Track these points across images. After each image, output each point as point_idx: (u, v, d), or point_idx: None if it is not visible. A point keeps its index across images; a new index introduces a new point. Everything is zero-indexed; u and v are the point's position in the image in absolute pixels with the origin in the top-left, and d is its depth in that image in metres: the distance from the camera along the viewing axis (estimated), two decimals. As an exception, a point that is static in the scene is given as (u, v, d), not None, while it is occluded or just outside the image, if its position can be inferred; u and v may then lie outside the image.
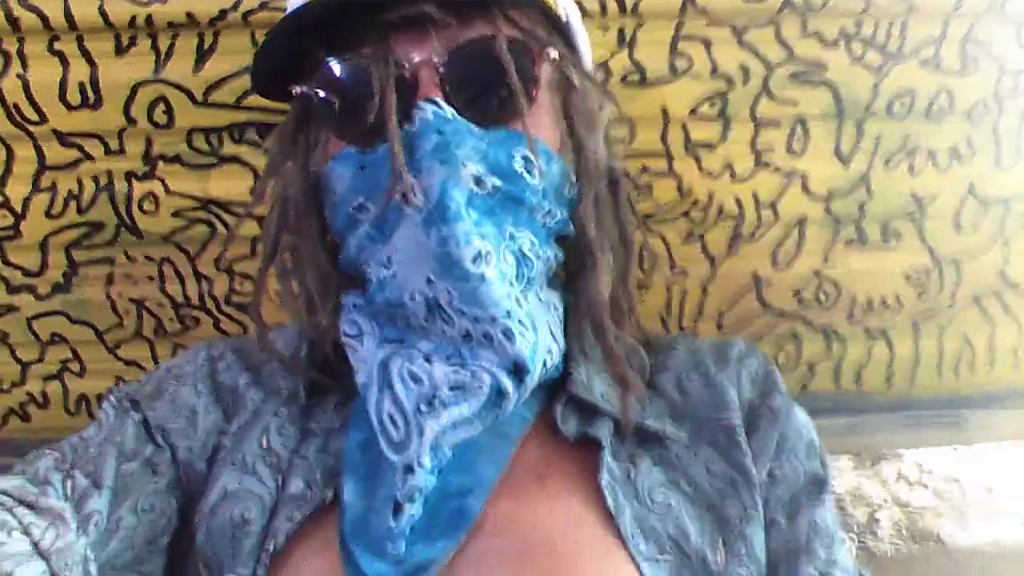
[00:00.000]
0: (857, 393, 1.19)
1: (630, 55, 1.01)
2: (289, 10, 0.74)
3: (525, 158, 0.69)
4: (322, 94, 0.70)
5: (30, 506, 0.66)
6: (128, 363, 1.10)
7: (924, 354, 1.18)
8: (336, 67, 0.69)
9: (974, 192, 1.10)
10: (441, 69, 0.67)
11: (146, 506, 0.72)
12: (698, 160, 1.06)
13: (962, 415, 1.21)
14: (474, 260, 0.64)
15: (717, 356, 0.82)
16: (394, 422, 0.67)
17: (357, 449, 0.72)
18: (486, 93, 0.69)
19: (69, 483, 0.69)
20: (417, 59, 0.67)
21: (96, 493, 0.70)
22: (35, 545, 0.63)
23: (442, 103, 0.66)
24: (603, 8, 0.99)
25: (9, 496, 0.66)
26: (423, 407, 0.66)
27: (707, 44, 1.01)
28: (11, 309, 1.07)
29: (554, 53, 0.71)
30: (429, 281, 0.66)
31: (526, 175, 0.69)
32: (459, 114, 0.67)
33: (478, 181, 0.67)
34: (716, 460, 0.75)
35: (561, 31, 0.77)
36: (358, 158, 0.70)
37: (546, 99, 0.73)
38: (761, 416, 0.78)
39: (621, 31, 1.00)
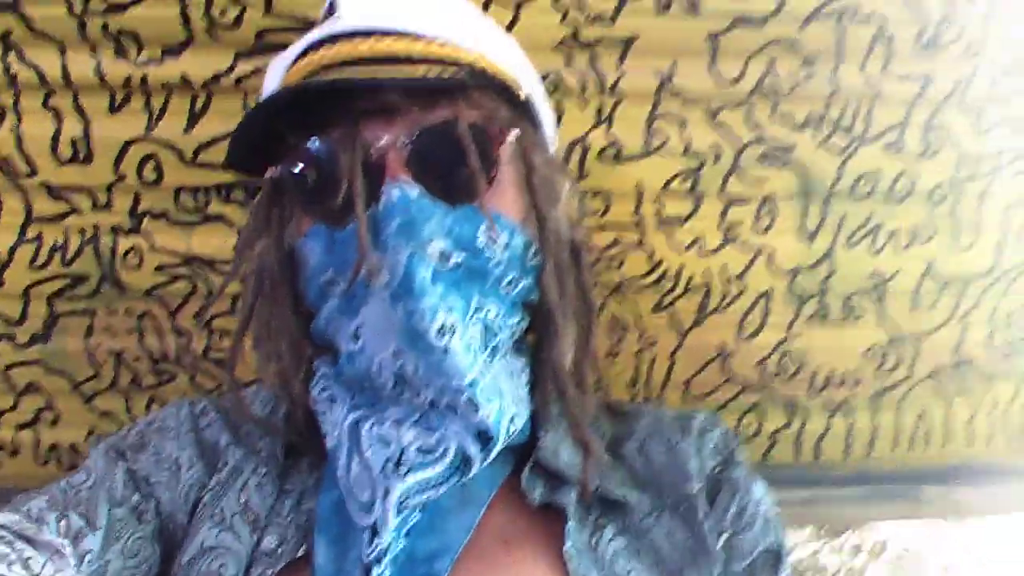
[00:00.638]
0: (816, 465, 1.22)
1: (607, 131, 1.05)
2: (264, 95, 0.78)
3: (488, 232, 0.72)
4: (294, 175, 0.72)
5: (28, 540, 0.67)
6: (103, 414, 1.10)
7: (882, 427, 1.21)
8: (307, 150, 0.71)
9: (932, 271, 1.14)
10: (407, 151, 0.69)
11: (132, 552, 0.74)
12: (669, 233, 1.10)
13: (920, 489, 1.25)
14: (439, 332, 0.67)
15: (680, 426, 0.84)
16: (361, 484, 0.69)
17: (329, 510, 0.74)
18: (450, 173, 0.71)
19: (64, 522, 0.71)
20: (384, 142, 0.69)
21: (90, 533, 0.71)
22: None
23: (408, 184, 0.68)
24: (583, 86, 1.03)
25: (7, 530, 0.67)
26: (390, 468, 0.68)
27: (681, 123, 1.05)
28: (-11, 356, 1.07)
29: (514, 134, 0.74)
30: (395, 354, 0.68)
31: (489, 249, 0.71)
32: (424, 193, 0.69)
33: (443, 256, 0.69)
34: (677, 529, 0.77)
35: (522, 108, 0.79)
36: (329, 235, 0.72)
37: (509, 173, 0.75)
38: (721, 488, 0.80)
39: (599, 108, 1.04)
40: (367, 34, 0.72)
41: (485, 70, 0.75)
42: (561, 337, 0.78)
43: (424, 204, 0.69)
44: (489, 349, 0.72)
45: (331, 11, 0.77)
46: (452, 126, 0.70)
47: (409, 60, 0.71)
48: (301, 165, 0.72)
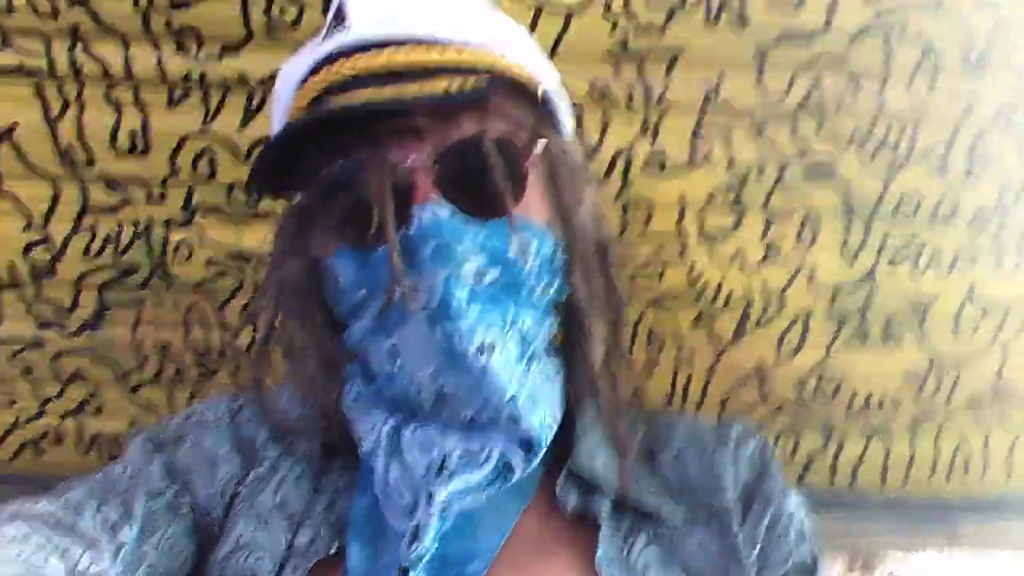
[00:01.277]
0: (852, 491, 1.21)
1: (652, 143, 1.06)
2: (283, 107, 0.78)
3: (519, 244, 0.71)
4: (320, 199, 0.72)
5: (66, 530, 0.67)
6: (145, 406, 1.11)
7: (919, 454, 1.20)
8: (333, 174, 0.71)
9: (974, 296, 1.14)
10: (434, 170, 0.69)
11: (167, 546, 0.74)
12: (711, 247, 1.10)
13: (955, 520, 1.23)
14: (478, 351, 0.67)
15: (716, 437, 0.84)
16: (401, 489, 0.69)
17: (362, 513, 0.74)
18: (478, 188, 0.70)
19: (101, 513, 0.71)
20: (410, 162, 0.69)
21: (127, 525, 0.72)
22: (72, 569, 0.65)
23: (439, 204, 0.68)
24: (630, 97, 1.04)
25: (45, 520, 0.67)
26: (432, 474, 0.68)
27: (726, 136, 1.06)
28: (38, 344, 1.09)
29: (541, 142, 0.74)
30: (434, 375, 0.69)
31: (521, 259, 0.71)
32: (455, 212, 0.69)
33: (479, 275, 0.69)
34: (710, 541, 0.77)
35: (545, 105, 0.79)
36: (359, 256, 0.72)
37: (534, 177, 0.75)
38: (755, 498, 0.80)
39: (645, 119, 1.05)
40: (381, 45, 0.72)
41: (504, 73, 0.74)
42: (591, 335, 0.78)
43: (456, 224, 0.68)
44: (526, 359, 0.72)
45: (340, 17, 0.76)
46: (478, 142, 0.70)
47: (428, 72, 0.70)
48: (327, 189, 0.72)
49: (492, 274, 0.70)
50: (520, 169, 0.72)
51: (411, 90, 0.69)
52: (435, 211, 0.68)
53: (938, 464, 1.21)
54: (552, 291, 0.75)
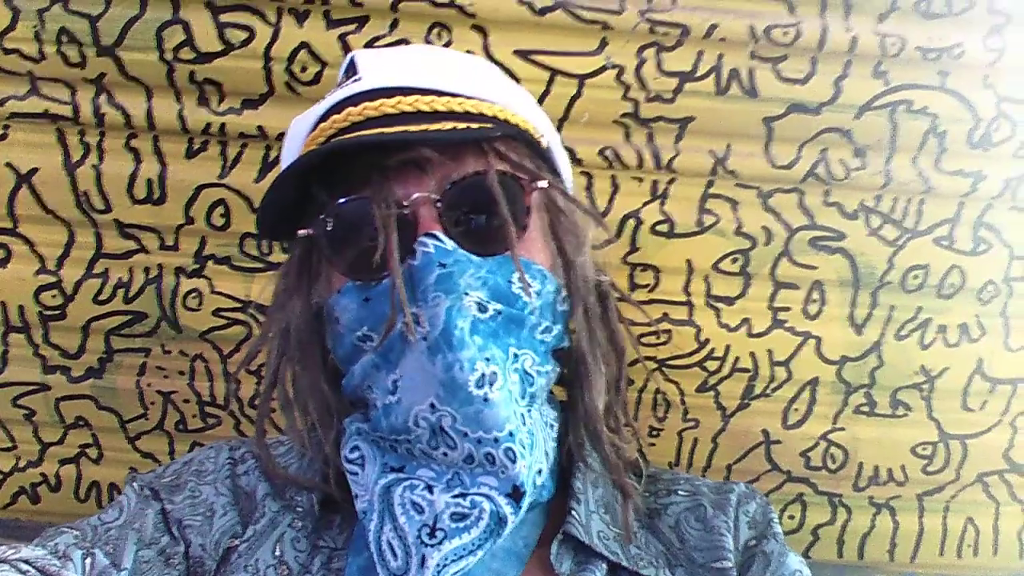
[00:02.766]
0: (860, 567, 1.19)
1: (661, 207, 1.08)
2: (292, 158, 0.80)
3: (521, 280, 0.73)
4: (327, 233, 0.74)
5: None
6: (145, 455, 1.11)
7: (928, 530, 1.19)
8: (339, 207, 0.73)
9: (982, 371, 1.13)
10: (438, 205, 0.71)
11: None
12: (718, 313, 1.11)
13: (967, 599, 1.21)
14: (478, 384, 0.67)
15: (717, 499, 0.83)
16: (393, 550, 0.69)
17: (357, 574, 0.74)
18: (481, 224, 0.72)
19: (89, 560, 0.71)
20: (415, 197, 0.71)
21: (115, 573, 0.71)
22: None
23: (442, 237, 0.70)
24: (640, 161, 1.06)
25: (31, 566, 0.66)
26: (425, 537, 0.67)
27: (734, 204, 1.08)
28: (43, 388, 1.09)
29: (543, 183, 0.76)
30: (433, 406, 0.68)
31: (524, 296, 0.72)
32: (458, 246, 0.71)
33: (481, 307, 0.70)
34: None
35: (544, 156, 0.81)
36: (363, 291, 0.73)
37: (536, 222, 0.77)
38: (755, 560, 0.79)
39: (655, 183, 1.07)
40: (390, 93, 0.74)
41: (508, 120, 0.77)
42: (593, 381, 0.79)
43: (459, 257, 0.70)
44: (527, 397, 0.72)
45: (351, 73, 0.79)
46: (482, 178, 0.72)
47: (435, 115, 0.73)
48: (333, 222, 0.73)
49: (494, 307, 0.71)
50: (523, 204, 0.74)
51: (417, 127, 0.71)
52: (439, 242, 0.70)
53: (947, 542, 1.19)
54: (553, 336, 0.76)
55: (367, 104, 0.74)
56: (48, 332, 1.08)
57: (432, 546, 0.67)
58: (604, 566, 0.75)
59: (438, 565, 0.66)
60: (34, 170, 1.03)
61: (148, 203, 1.05)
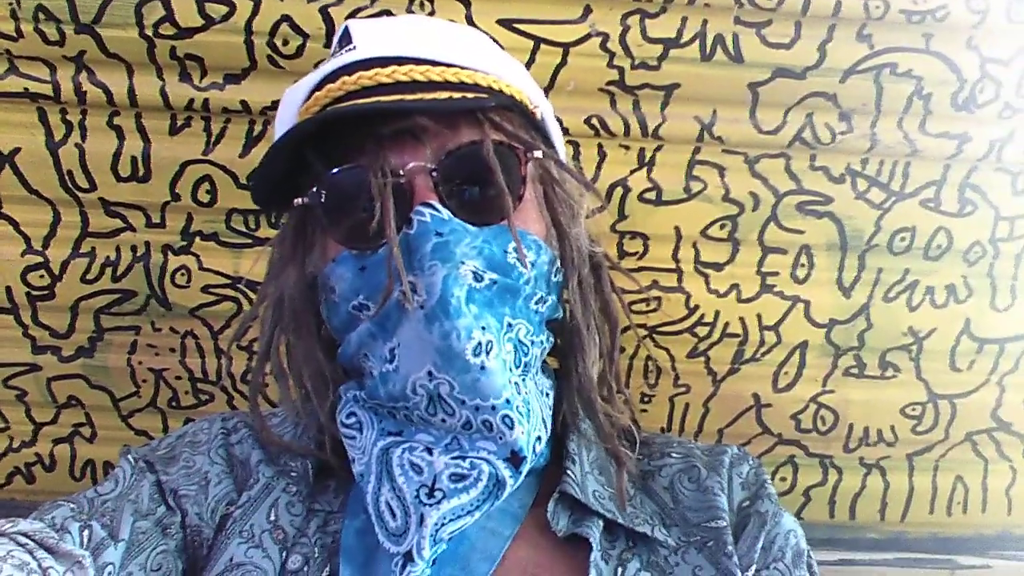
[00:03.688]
0: (851, 526, 1.21)
1: (648, 174, 1.07)
2: (286, 128, 0.79)
3: (517, 251, 0.73)
4: (322, 203, 0.74)
5: (49, 550, 0.67)
6: (138, 432, 1.12)
7: (918, 489, 1.20)
8: (335, 176, 0.73)
9: (969, 331, 1.14)
10: (434, 174, 0.72)
11: (155, 565, 0.74)
12: (707, 279, 1.11)
13: (953, 559, 1.22)
14: (475, 352, 0.67)
15: (710, 461, 0.84)
16: (392, 511, 0.69)
17: (354, 536, 0.74)
18: (477, 194, 0.73)
19: (86, 532, 0.71)
20: (411, 166, 0.72)
21: (112, 545, 0.71)
22: None
23: (438, 206, 0.71)
24: (626, 128, 1.06)
25: (29, 538, 0.66)
26: (423, 497, 0.68)
27: (721, 170, 1.08)
28: (34, 368, 1.09)
29: (538, 153, 0.76)
30: (431, 374, 0.69)
31: (519, 266, 0.73)
32: (454, 215, 0.71)
33: (477, 276, 0.70)
34: (704, 565, 0.76)
35: (537, 126, 0.82)
36: (359, 260, 0.74)
37: (531, 193, 0.77)
38: (749, 520, 0.80)
39: (642, 151, 1.07)
40: (385, 62, 0.74)
41: (503, 91, 0.77)
42: (587, 350, 0.80)
43: (455, 226, 0.71)
44: (522, 366, 0.73)
45: (345, 42, 0.79)
46: (478, 148, 0.72)
47: (431, 85, 0.74)
48: (329, 191, 0.74)
49: (490, 276, 0.71)
50: (518, 174, 0.74)
51: (413, 96, 0.72)
52: (435, 213, 0.70)
53: (937, 500, 1.21)
54: (547, 307, 0.76)
55: (362, 73, 0.74)
56: (36, 312, 1.08)
57: (431, 505, 0.67)
58: (600, 523, 0.76)
59: (436, 524, 0.67)
60: (16, 150, 1.02)
61: (133, 181, 1.04)
